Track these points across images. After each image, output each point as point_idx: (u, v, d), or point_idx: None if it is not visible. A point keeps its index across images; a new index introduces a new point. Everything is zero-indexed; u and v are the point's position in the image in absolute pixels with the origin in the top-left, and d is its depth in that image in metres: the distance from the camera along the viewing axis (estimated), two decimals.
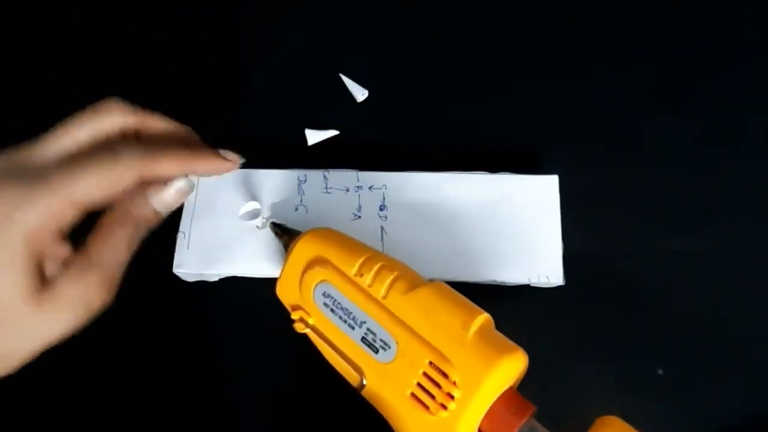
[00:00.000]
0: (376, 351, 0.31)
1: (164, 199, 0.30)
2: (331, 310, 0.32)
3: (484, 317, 0.30)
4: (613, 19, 0.47)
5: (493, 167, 0.40)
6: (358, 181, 0.40)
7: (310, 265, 0.33)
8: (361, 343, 0.31)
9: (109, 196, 0.27)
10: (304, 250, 0.34)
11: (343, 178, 0.40)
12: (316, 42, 0.47)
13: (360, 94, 0.45)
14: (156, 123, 0.31)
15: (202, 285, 0.40)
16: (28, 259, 0.26)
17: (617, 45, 0.46)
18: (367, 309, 0.31)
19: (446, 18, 0.47)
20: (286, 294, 0.34)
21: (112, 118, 0.29)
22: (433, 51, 0.46)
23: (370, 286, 0.31)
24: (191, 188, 0.31)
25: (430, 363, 0.29)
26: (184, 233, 0.39)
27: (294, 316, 0.33)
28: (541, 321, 0.38)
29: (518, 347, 0.30)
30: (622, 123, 0.43)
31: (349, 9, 0.48)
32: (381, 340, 0.31)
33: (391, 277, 0.31)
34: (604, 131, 0.43)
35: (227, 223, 0.39)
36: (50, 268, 0.27)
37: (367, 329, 0.31)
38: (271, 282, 0.39)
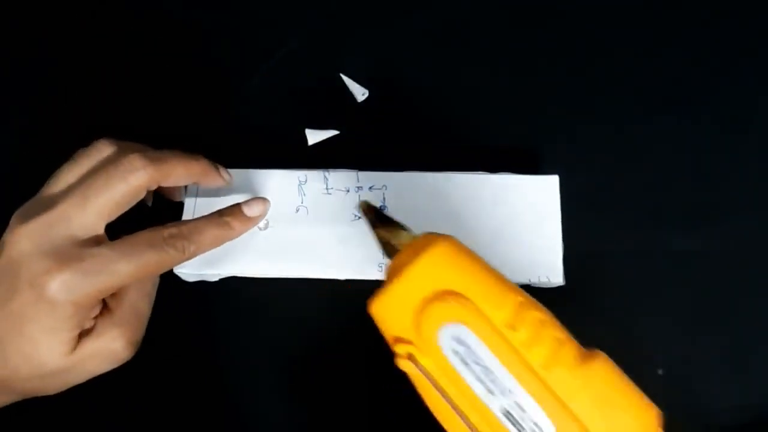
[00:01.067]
0: None
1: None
2: (464, 362, 0.24)
3: (660, 418, 0.24)
4: (613, 19, 0.47)
5: (493, 167, 0.40)
6: (358, 181, 0.40)
7: (439, 296, 0.25)
8: (503, 417, 0.24)
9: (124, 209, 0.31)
10: (431, 270, 0.26)
11: (343, 178, 0.40)
12: (316, 42, 0.47)
13: (360, 94, 0.45)
14: (176, 170, 0.33)
15: (202, 285, 0.40)
16: (75, 323, 0.29)
17: (617, 45, 0.46)
18: (518, 376, 0.23)
19: (446, 18, 0.47)
20: (388, 317, 0.26)
21: (139, 180, 0.31)
22: (434, 51, 0.46)
23: (526, 345, 0.24)
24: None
25: None
26: None
27: (399, 350, 0.26)
28: None
29: None
30: (622, 123, 0.43)
31: (349, 9, 0.48)
32: (534, 423, 0.23)
33: (555, 339, 0.24)
34: (604, 131, 0.43)
35: None
36: (86, 325, 0.30)
37: (515, 403, 0.23)
38: (271, 282, 0.39)
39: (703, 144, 0.43)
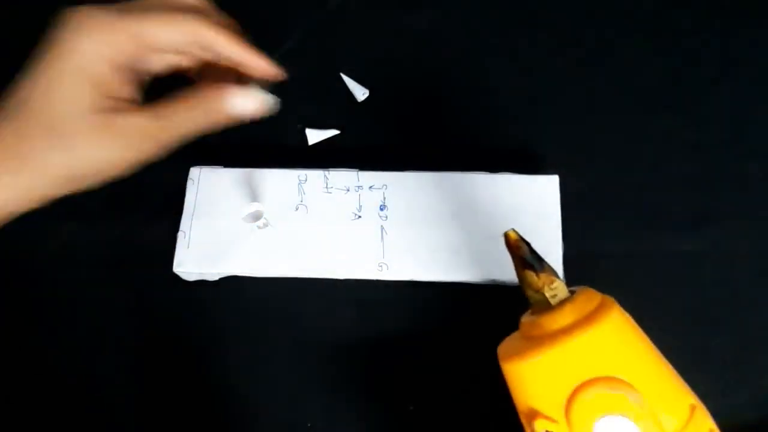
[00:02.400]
0: None
1: (241, 102, 0.32)
2: None
3: None
4: (613, 19, 0.47)
5: (493, 167, 0.40)
6: (358, 180, 0.40)
7: (605, 381, 0.21)
8: None
9: (171, 41, 0.30)
10: (598, 348, 0.22)
11: (343, 177, 0.40)
12: (316, 42, 0.47)
13: (360, 93, 0.45)
14: (221, 16, 0.33)
15: (202, 284, 0.40)
16: (89, 76, 0.28)
17: (618, 45, 0.46)
18: None
19: (447, 18, 0.47)
20: (531, 385, 0.23)
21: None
22: (434, 51, 0.46)
23: None
24: (268, 106, 0.32)
25: None
26: (184, 233, 0.39)
27: (539, 427, 0.22)
28: None
29: None
30: (622, 123, 0.43)
31: (349, 9, 0.48)
32: None
33: None
34: (604, 131, 0.43)
35: (228, 222, 0.39)
36: (114, 104, 0.29)
37: None
38: (271, 281, 0.39)
39: (703, 144, 0.43)
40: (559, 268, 0.37)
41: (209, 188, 0.40)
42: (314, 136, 0.43)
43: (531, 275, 0.25)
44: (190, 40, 0.31)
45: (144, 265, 0.40)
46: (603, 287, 0.39)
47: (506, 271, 0.37)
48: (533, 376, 0.22)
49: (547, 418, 0.22)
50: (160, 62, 0.32)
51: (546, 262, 0.25)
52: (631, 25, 0.47)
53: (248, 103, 0.32)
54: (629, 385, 0.21)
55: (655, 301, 0.39)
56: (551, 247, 0.37)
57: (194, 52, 0.32)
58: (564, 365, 0.22)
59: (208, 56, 0.33)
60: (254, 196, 0.39)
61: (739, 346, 0.38)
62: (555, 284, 0.25)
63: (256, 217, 0.38)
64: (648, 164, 0.42)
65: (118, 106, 0.30)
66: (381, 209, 0.39)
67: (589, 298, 0.23)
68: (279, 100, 0.33)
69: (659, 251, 0.40)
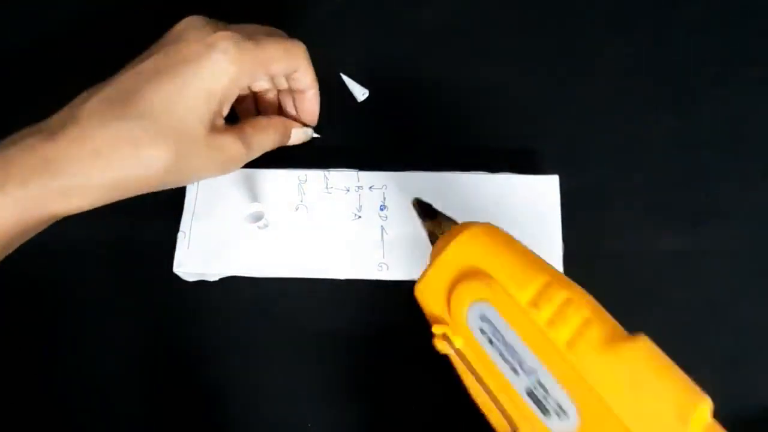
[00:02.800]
0: (546, 413, 0.23)
1: (297, 135, 0.39)
2: (490, 341, 0.25)
3: (706, 404, 0.22)
4: (613, 18, 0.47)
5: (493, 167, 0.40)
6: (358, 180, 0.40)
7: (466, 275, 0.25)
8: (527, 397, 0.23)
9: (284, 69, 0.35)
10: (461, 252, 0.26)
11: (343, 177, 0.40)
12: (316, 41, 0.47)
13: (360, 93, 0.45)
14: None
15: (202, 285, 0.40)
16: (220, 96, 0.32)
17: (617, 45, 0.46)
18: (541, 355, 0.23)
19: (447, 18, 0.47)
20: (427, 299, 0.27)
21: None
22: (434, 50, 0.46)
23: (550, 324, 0.23)
24: (308, 138, 0.41)
25: None
26: (184, 233, 0.39)
27: (436, 330, 0.26)
28: None
29: None
30: (622, 123, 0.43)
31: (349, 8, 0.48)
32: (555, 403, 0.23)
33: (580, 320, 0.23)
34: (604, 131, 0.43)
35: (228, 222, 0.39)
36: (222, 123, 0.34)
37: (538, 382, 0.23)
38: (271, 282, 0.39)
39: (704, 144, 0.43)
40: (559, 267, 0.37)
41: (209, 188, 0.40)
42: (314, 135, 0.43)
43: (426, 223, 0.31)
44: (294, 69, 0.35)
45: (144, 265, 0.40)
46: (603, 286, 0.39)
47: None
48: (426, 290, 0.27)
49: (441, 321, 0.27)
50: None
51: (440, 213, 0.31)
52: (630, 24, 0.47)
53: (301, 137, 0.40)
54: (487, 275, 0.25)
55: (655, 301, 0.39)
56: (551, 247, 0.37)
57: (281, 81, 0.38)
58: (441, 272, 0.27)
59: (284, 86, 0.38)
60: (254, 197, 0.39)
61: (739, 346, 0.38)
62: (445, 225, 0.30)
63: (257, 217, 0.38)
64: (648, 164, 0.42)
65: (221, 126, 0.33)
66: (381, 209, 0.39)
67: (464, 224, 0.28)
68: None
69: (659, 251, 0.40)
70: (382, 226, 0.38)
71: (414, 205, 0.32)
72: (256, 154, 0.36)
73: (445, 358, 0.27)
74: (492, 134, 0.43)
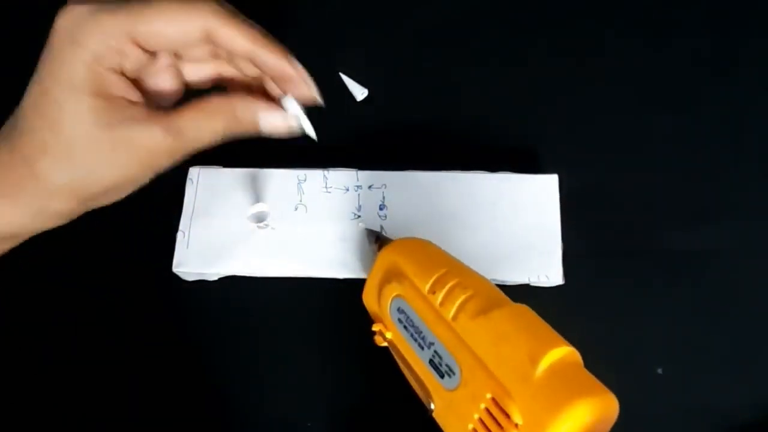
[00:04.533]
0: (442, 376, 0.28)
1: (271, 120, 0.29)
2: (405, 327, 0.30)
3: (561, 351, 0.26)
4: (613, 18, 0.47)
5: (493, 167, 0.40)
6: (357, 180, 0.40)
7: (388, 278, 0.31)
8: (429, 365, 0.29)
9: (174, 41, 0.27)
10: (384, 261, 0.32)
11: (342, 177, 0.40)
12: (316, 41, 0.47)
13: (360, 93, 0.45)
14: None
15: (201, 284, 0.40)
16: (90, 82, 0.26)
17: (617, 45, 0.46)
18: (435, 330, 0.29)
19: (446, 17, 0.47)
20: (368, 302, 0.33)
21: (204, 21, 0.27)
22: (434, 50, 0.46)
23: (441, 305, 0.29)
24: (305, 128, 0.30)
25: (493, 399, 0.26)
26: (183, 232, 0.39)
27: (375, 328, 0.32)
28: None
29: (604, 390, 0.25)
30: (621, 123, 0.43)
31: (349, 8, 0.48)
32: (446, 365, 0.28)
33: (463, 297, 0.28)
34: (604, 131, 0.43)
35: (227, 222, 0.39)
36: (122, 114, 0.27)
37: (435, 352, 0.29)
38: (270, 281, 0.39)
39: (703, 144, 0.43)
40: (558, 266, 0.37)
41: (208, 188, 0.40)
42: (313, 135, 0.43)
43: (374, 245, 0.36)
44: (199, 36, 0.27)
45: (143, 265, 0.40)
46: (602, 286, 0.39)
47: (506, 271, 0.37)
48: (366, 296, 0.33)
49: (378, 319, 0.32)
50: (169, 69, 0.29)
51: (380, 234, 0.37)
52: (630, 23, 0.47)
53: (279, 123, 0.29)
54: (402, 275, 0.31)
55: (655, 300, 0.39)
56: (551, 246, 0.37)
57: (210, 56, 0.29)
58: (373, 280, 0.32)
59: (225, 63, 0.30)
60: (254, 196, 0.39)
61: (740, 346, 0.38)
62: (383, 245, 0.34)
63: (261, 217, 0.38)
64: (647, 163, 0.42)
65: (126, 116, 0.26)
66: (380, 209, 0.39)
67: (398, 242, 0.33)
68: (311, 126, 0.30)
69: (658, 250, 0.40)
70: (381, 225, 0.38)
71: (365, 232, 0.38)
72: (193, 143, 0.28)
73: (385, 350, 0.32)
74: (492, 134, 0.43)
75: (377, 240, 0.36)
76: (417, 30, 0.47)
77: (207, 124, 0.28)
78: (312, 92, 0.30)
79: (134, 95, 0.28)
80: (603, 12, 0.47)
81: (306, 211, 0.39)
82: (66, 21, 0.25)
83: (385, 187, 0.39)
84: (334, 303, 0.39)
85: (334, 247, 0.38)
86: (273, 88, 0.30)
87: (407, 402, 0.37)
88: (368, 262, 0.38)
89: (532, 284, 0.37)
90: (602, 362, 0.37)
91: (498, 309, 0.27)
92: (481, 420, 0.26)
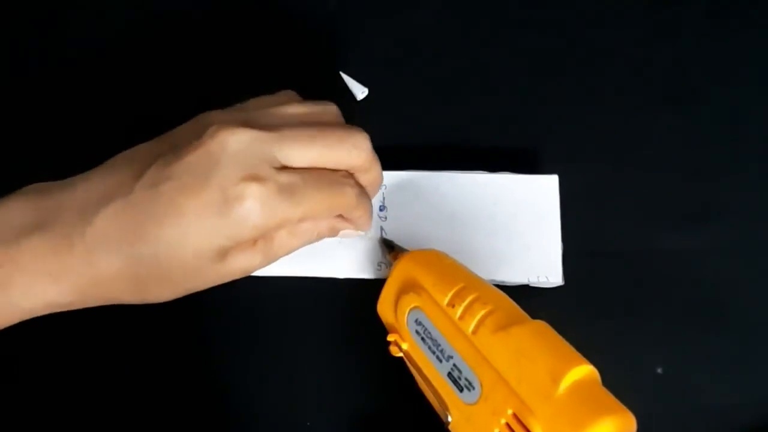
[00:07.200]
0: (461, 390, 0.29)
1: (346, 233, 0.35)
2: (422, 339, 0.31)
3: (583, 370, 0.26)
4: (612, 18, 0.47)
5: (493, 167, 0.40)
6: None
7: (405, 289, 0.32)
8: (447, 378, 0.29)
9: (317, 219, 0.31)
10: (402, 272, 0.33)
11: None
12: (316, 40, 0.47)
13: (360, 92, 0.45)
14: (374, 174, 0.34)
15: None
16: (238, 245, 0.29)
17: (617, 44, 0.46)
18: (454, 343, 0.29)
19: (447, 17, 0.47)
20: (384, 314, 0.33)
21: (359, 158, 0.32)
22: (434, 50, 0.46)
23: (460, 318, 0.29)
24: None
25: (514, 414, 0.26)
26: None
27: (390, 338, 0.33)
28: None
29: (624, 409, 0.26)
30: (621, 122, 0.43)
31: (349, 6, 0.48)
32: (466, 379, 0.29)
33: (483, 312, 0.29)
34: (604, 131, 0.43)
35: None
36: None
37: (454, 365, 0.29)
38: (270, 281, 0.39)
39: (704, 144, 0.43)
40: (558, 266, 0.37)
41: None
42: None
43: (389, 255, 0.36)
44: (333, 215, 0.32)
45: None
46: (603, 285, 0.39)
47: (505, 271, 0.37)
48: (381, 306, 0.34)
49: (393, 329, 0.33)
50: None
51: (394, 244, 0.37)
52: (630, 23, 0.47)
53: (352, 234, 0.35)
54: (420, 286, 0.31)
55: (655, 300, 0.39)
56: (551, 246, 0.37)
57: None
58: (390, 290, 0.33)
59: None
60: None
61: (739, 346, 0.38)
62: (399, 255, 0.35)
63: None
64: (647, 163, 0.42)
65: (238, 247, 0.29)
66: (380, 209, 0.39)
67: (415, 254, 0.34)
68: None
69: (659, 250, 0.40)
70: (381, 226, 0.38)
71: (380, 242, 0.38)
72: (275, 259, 0.31)
73: (401, 360, 0.32)
74: (492, 134, 0.43)
75: (392, 250, 0.36)
76: (417, 29, 0.47)
77: (295, 245, 0.32)
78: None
79: None
80: (603, 12, 0.47)
81: None
82: (250, 203, 0.27)
83: (385, 188, 0.39)
84: (334, 302, 0.39)
85: (334, 247, 0.38)
86: None
87: (407, 402, 0.37)
88: (368, 262, 0.38)
89: (531, 285, 0.37)
90: (602, 362, 0.37)
91: (518, 325, 0.28)
92: None
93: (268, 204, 0.28)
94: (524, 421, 0.26)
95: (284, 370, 0.38)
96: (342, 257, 0.38)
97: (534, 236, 0.38)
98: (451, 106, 0.44)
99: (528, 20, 0.47)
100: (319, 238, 0.33)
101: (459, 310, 0.29)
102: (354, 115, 0.44)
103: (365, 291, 0.38)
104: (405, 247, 0.36)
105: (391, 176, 0.39)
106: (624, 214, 0.41)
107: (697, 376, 0.37)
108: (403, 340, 0.32)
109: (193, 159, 0.28)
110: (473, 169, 0.40)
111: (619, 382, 0.37)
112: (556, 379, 0.25)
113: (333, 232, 0.33)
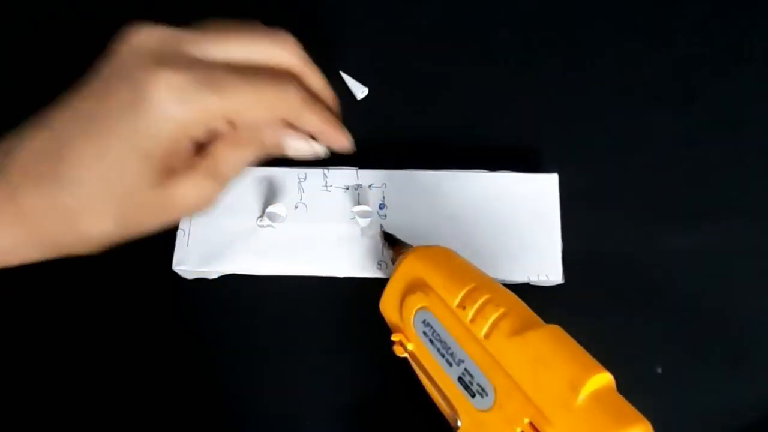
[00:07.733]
0: (473, 395, 0.28)
1: (297, 146, 0.30)
2: (430, 341, 0.30)
3: (601, 378, 0.25)
4: (612, 17, 0.47)
5: (493, 166, 0.40)
6: (357, 179, 0.40)
7: (411, 289, 0.30)
8: (458, 383, 0.28)
9: (256, 121, 0.27)
10: (407, 270, 0.31)
11: (342, 175, 0.40)
12: (316, 39, 0.47)
13: (360, 91, 0.45)
14: (315, 80, 0.30)
15: (201, 283, 0.40)
16: (163, 151, 0.25)
17: (617, 44, 0.46)
18: (466, 347, 0.28)
19: (447, 16, 0.47)
20: (388, 312, 0.32)
21: (285, 54, 0.29)
22: (434, 49, 0.46)
23: (472, 321, 0.28)
24: (325, 153, 0.32)
25: (530, 423, 0.25)
26: (183, 231, 0.39)
27: (394, 338, 0.31)
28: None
29: (642, 419, 0.25)
30: (621, 122, 0.43)
31: (349, 6, 0.48)
32: (478, 385, 0.27)
33: (496, 315, 0.28)
34: (604, 130, 0.43)
35: (227, 220, 0.39)
36: (169, 171, 0.27)
37: (465, 370, 0.28)
38: (270, 279, 0.39)
39: (704, 144, 0.43)
40: (558, 266, 0.37)
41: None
42: None
43: (389, 250, 0.35)
44: (275, 119, 0.28)
45: (143, 263, 0.40)
46: (602, 285, 0.39)
47: (506, 270, 0.37)
48: (385, 305, 0.32)
49: (398, 329, 0.31)
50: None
51: (397, 238, 0.36)
52: (630, 22, 0.47)
53: (303, 148, 0.31)
54: (427, 286, 0.30)
55: (655, 299, 0.39)
56: (551, 246, 0.37)
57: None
58: (394, 289, 0.32)
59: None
60: (254, 195, 0.39)
61: (740, 346, 0.38)
62: (403, 250, 0.33)
63: (273, 218, 0.38)
64: (647, 162, 0.42)
65: (172, 171, 0.27)
66: (380, 208, 0.39)
67: (416, 248, 0.32)
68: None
69: (659, 249, 0.40)
70: (381, 224, 0.38)
71: (381, 235, 0.36)
72: (227, 179, 0.29)
73: (404, 360, 0.31)
74: (492, 133, 0.43)
75: (394, 245, 0.35)
76: (417, 28, 0.47)
77: (239, 157, 0.28)
78: (347, 146, 0.32)
79: (190, 149, 0.27)
80: (603, 11, 0.47)
81: (306, 210, 0.39)
82: (164, 92, 0.24)
83: (385, 186, 0.39)
84: (334, 301, 0.39)
85: (334, 246, 0.38)
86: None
87: (408, 402, 0.37)
88: (368, 260, 0.38)
89: (532, 283, 0.37)
90: (602, 362, 0.37)
91: (533, 330, 0.27)
92: None
93: (184, 91, 0.24)
94: (541, 430, 0.25)
95: (284, 369, 0.38)
96: (342, 256, 0.38)
97: (534, 235, 0.38)
98: (452, 106, 0.44)
99: (528, 20, 0.47)
100: (268, 150, 0.29)
101: (470, 313, 0.28)
102: (354, 115, 0.44)
103: (365, 290, 0.38)
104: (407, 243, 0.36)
105: (391, 175, 0.39)
106: (624, 214, 0.41)
107: (697, 375, 0.37)
108: (409, 340, 0.31)
109: (103, 64, 0.26)
110: (473, 168, 0.40)
111: (619, 382, 0.37)
112: (575, 388, 0.24)
113: (281, 142, 0.30)
